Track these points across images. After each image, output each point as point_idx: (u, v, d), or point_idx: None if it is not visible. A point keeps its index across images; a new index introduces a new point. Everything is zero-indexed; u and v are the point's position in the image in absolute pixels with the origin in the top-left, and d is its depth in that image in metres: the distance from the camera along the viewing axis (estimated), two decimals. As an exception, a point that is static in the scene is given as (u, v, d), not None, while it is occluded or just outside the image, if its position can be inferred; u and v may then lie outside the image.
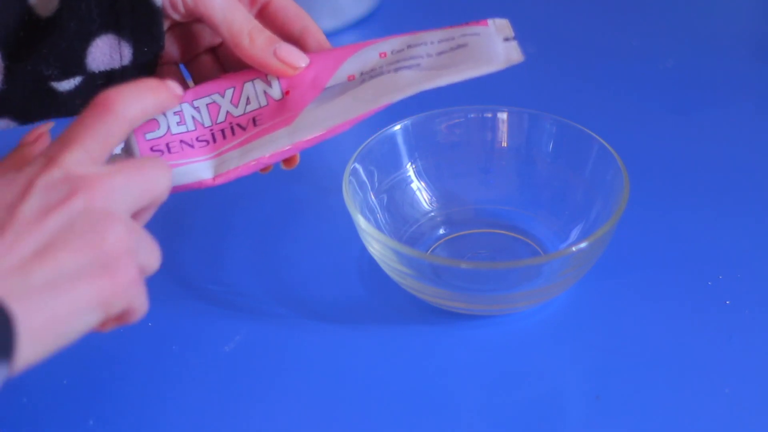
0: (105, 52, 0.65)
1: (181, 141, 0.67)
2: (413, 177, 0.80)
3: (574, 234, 0.77)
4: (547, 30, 1.01)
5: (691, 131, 0.90)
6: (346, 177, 0.74)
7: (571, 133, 0.78)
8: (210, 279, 0.77)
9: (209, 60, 0.71)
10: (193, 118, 0.67)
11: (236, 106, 0.68)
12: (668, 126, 0.90)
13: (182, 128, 0.67)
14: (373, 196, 0.78)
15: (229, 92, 0.68)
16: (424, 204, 0.81)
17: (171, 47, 0.70)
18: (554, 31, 1.02)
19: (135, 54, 0.65)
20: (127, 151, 0.67)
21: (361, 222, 0.72)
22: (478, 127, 0.81)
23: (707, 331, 0.72)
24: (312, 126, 0.66)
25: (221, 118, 0.67)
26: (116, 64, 0.65)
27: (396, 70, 0.67)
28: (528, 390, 0.70)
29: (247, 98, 0.68)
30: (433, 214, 0.80)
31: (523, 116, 0.80)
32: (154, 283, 0.76)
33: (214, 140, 0.67)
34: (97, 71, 0.65)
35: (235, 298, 0.75)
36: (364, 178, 0.77)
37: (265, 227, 0.81)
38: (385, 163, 0.79)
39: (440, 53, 0.67)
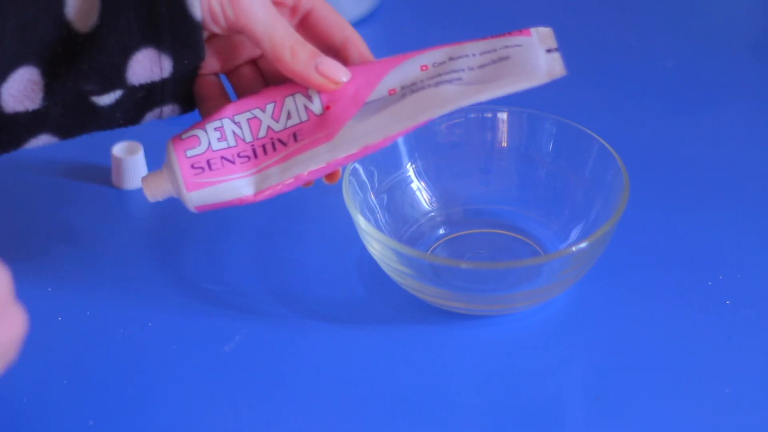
0: (145, 66, 0.64)
1: (222, 157, 0.66)
2: (413, 177, 0.80)
3: (574, 234, 0.77)
4: (547, 30, 1.01)
5: (691, 131, 0.90)
6: (346, 177, 0.74)
7: (571, 133, 0.78)
8: (210, 279, 0.77)
9: (250, 71, 0.71)
10: (234, 133, 0.67)
11: (277, 121, 0.67)
12: (668, 126, 0.90)
13: (223, 144, 0.66)
14: (373, 196, 0.78)
15: (269, 107, 0.67)
16: (424, 204, 0.81)
17: (211, 58, 0.70)
18: (554, 31, 1.02)
19: (175, 66, 0.65)
20: (168, 168, 0.67)
21: (361, 222, 0.72)
22: (478, 127, 0.81)
23: (707, 331, 0.72)
24: (352, 142, 0.66)
25: (262, 133, 0.67)
26: (156, 77, 0.65)
27: (437, 84, 0.66)
28: (528, 390, 0.70)
29: (288, 113, 0.67)
30: (433, 214, 0.80)
31: (523, 116, 0.80)
32: (154, 283, 0.77)
33: (255, 156, 0.67)
34: (137, 84, 0.65)
35: (235, 298, 0.75)
36: (364, 178, 0.77)
37: (266, 227, 0.81)
38: (385, 163, 0.79)
39: (482, 66, 0.67)
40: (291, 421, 0.68)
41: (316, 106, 0.67)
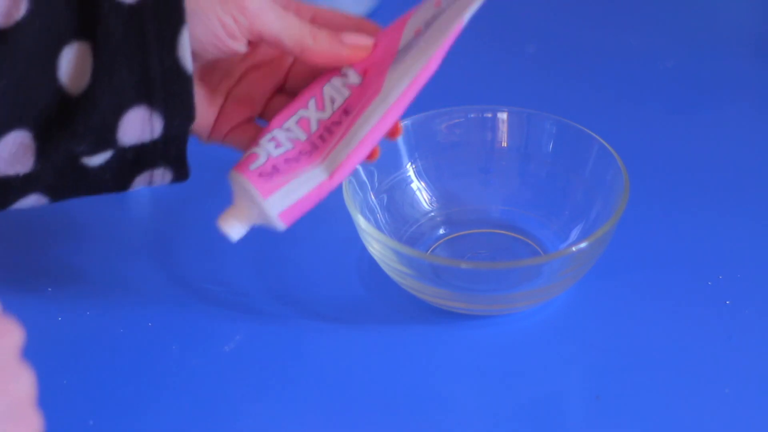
0: (136, 126, 0.64)
1: (286, 159, 0.66)
2: (413, 177, 0.80)
3: (574, 234, 0.77)
4: (547, 30, 1.01)
5: (691, 131, 0.90)
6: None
7: (571, 133, 0.78)
8: (210, 279, 0.77)
9: (280, 99, 0.71)
10: (288, 138, 0.67)
11: (324, 110, 0.67)
12: (668, 126, 0.90)
13: (282, 149, 0.67)
14: (373, 196, 0.78)
15: (311, 102, 0.67)
16: (424, 204, 0.81)
17: (238, 107, 0.70)
18: (554, 31, 1.02)
19: (166, 126, 0.65)
20: (238, 194, 0.66)
21: (361, 222, 0.72)
22: (478, 127, 0.81)
23: (707, 331, 0.72)
24: (400, 81, 0.65)
25: (314, 127, 0.67)
26: (146, 137, 0.65)
27: (455, 1, 0.66)
28: (528, 390, 0.70)
29: (332, 98, 0.67)
30: (433, 214, 0.80)
31: (523, 116, 0.80)
32: (154, 283, 0.77)
33: (316, 147, 0.67)
34: (128, 145, 0.65)
35: (235, 298, 0.75)
36: (364, 178, 0.77)
37: (266, 227, 0.81)
38: (385, 163, 0.79)
39: None
40: (291, 421, 0.68)
41: (354, 78, 0.67)
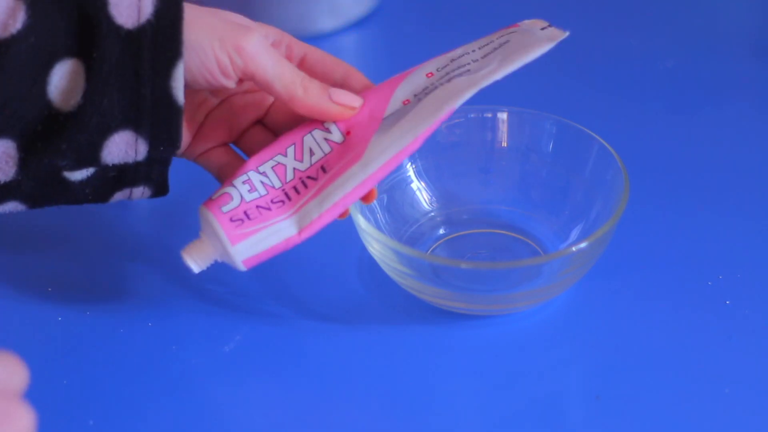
0: (121, 147, 0.64)
1: (258, 206, 0.66)
2: (413, 177, 0.80)
3: (574, 234, 0.77)
4: (547, 30, 1.01)
5: (691, 131, 0.90)
6: (346, 177, 0.74)
7: (571, 133, 0.78)
8: (210, 279, 0.77)
9: (258, 131, 0.71)
10: (262, 182, 0.67)
11: (301, 161, 0.67)
12: (668, 126, 0.90)
13: (255, 195, 0.67)
14: (373, 196, 0.78)
15: (290, 150, 0.68)
16: (424, 204, 0.81)
17: (217, 130, 0.70)
18: (554, 31, 1.02)
19: (150, 151, 0.65)
20: (207, 231, 0.67)
21: (361, 222, 0.72)
22: (478, 127, 0.81)
23: (707, 331, 0.72)
24: (383, 153, 0.67)
25: (290, 176, 0.67)
26: (130, 159, 0.65)
27: (448, 80, 0.67)
28: (528, 390, 0.70)
29: (310, 150, 0.67)
30: (433, 214, 0.80)
31: (523, 116, 0.80)
32: (154, 283, 0.77)
33: (289, 198, 0.67)
34: (111, 164, 0.65)
35: (235, 298, 0.75)
36: (364, 178, 0.77)
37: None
38: (385, 163, 0.79)
39: (485, 55, 0.68)
40: (291, 421, 0.68)
41: (336, 135, 0.68)
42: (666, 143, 0.88)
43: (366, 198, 0.69)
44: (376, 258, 0.73)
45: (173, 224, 0.81)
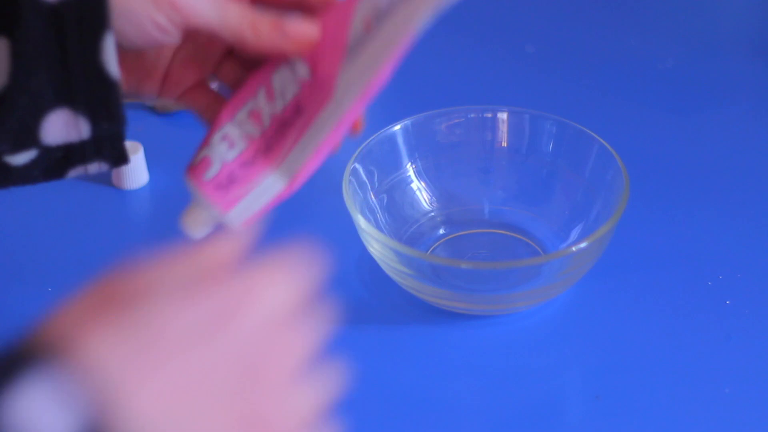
0: (60, 128, 0.62)
1: (242, 164, 0.65)
2: (413, 177, 0.80)
3: (574, 234, 0.77)
4: (547, 30, 1.01)
5: (691, 131, 0.90)
6: (346, 177, 0.74)
7: (571, 133, 0.78)
8: (210, 279, 0.76)
9: (232, 63, 0.68)
10: (241, 135, 0.65)
11: (274, 103, 0.65)
12: (668, 126, 0.90)
13: (235, 151, 0.65)
14: (373, 196, 0.78)
15: (261, 92, 0.65)
16: (424, 204, 0.81)
17: (187, 70, 0.67)
18: (554, 31, 1.02)
19: (94, 129, 0.62)
20: (197, 199, 0.65)
21: (361, 222, 0.72)
22: (478, 127, 0.81)
23: (707, 331, 0.72)
24: (354, 87, 0.63)
25: (267, 122, 0.65)
26: (74, 138, 0.62)
27: None
28: (528, 390, 0.70)
29: (282, 90, 0.65)
30: (433, 214, 0.80)
31: (523, 116, 0.80)
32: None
33: (271, 147, 0.65)
34: (53, 145, 0.62)
35: (235, 298, 0.75)
36: (364, 178, 0.77)
37: (265, 227, 0.81)
38: (385, 163, 0.79)
39: None
40: (291, 421, 0.68)
41: (302, 71, 0.64)
42: (666, 143, 0.88)
43: (354, 129, 0.66)
44: (376, 258, 0.73)
45: (174, 223, 0.81)
